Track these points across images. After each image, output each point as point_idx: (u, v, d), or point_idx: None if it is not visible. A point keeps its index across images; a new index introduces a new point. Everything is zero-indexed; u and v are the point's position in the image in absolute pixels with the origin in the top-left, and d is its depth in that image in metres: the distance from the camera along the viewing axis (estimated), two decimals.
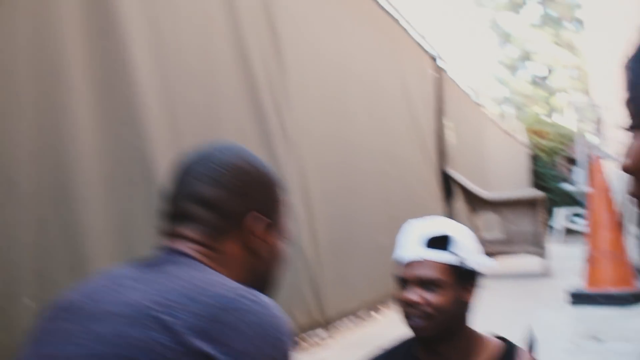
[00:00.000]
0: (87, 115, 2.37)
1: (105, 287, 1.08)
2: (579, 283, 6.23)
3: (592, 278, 5.78)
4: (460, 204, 8.31)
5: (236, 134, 3.36)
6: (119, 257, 2.44)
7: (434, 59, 8.13)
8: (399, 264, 1.70)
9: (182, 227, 1.18)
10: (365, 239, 5.42)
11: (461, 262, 1.67)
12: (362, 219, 5.37)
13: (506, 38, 35.35)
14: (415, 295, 1.64)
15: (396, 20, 6.85)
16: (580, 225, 13.53)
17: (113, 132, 2.49)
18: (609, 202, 5.96)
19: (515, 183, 15.50)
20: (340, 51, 5.30)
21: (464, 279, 1.69)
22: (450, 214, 8.10)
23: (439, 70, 8.25)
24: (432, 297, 1.63)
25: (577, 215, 16.13)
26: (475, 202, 8.07)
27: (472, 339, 1.71)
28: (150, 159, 2.63)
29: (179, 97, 2.90)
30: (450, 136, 8.32)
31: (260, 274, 1.24)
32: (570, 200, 17.75)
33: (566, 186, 13.28)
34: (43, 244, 2.13)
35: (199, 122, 3.07)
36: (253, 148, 1.27)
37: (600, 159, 10.24)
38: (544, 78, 35.23)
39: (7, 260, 1.98)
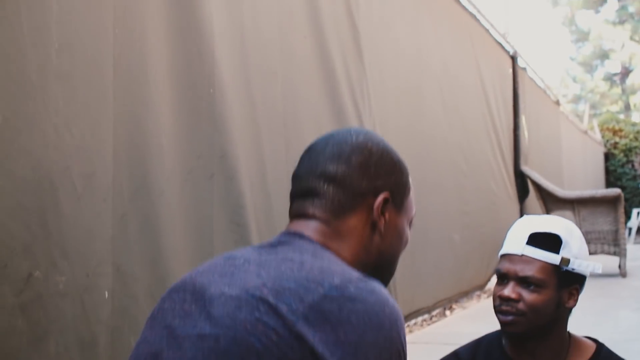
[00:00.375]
0: (167, 109, 2.38)
1: (222, 269, 1.09)
2: None
3: None
4: (535, 202, 8.13)
5: (315, 130, 3.35)
6: (196, 252, 2.46)
7: (512, 57, 7.99)
8: (501, 257, 1.66)
9: (307, 204, 1.18)
10: (438, 235, 5.35)
11: (566, 264, 1.61)
12: (436, 214, 5.30)
13: (582, 36, 34.50)
14: (511, 291, 1.60)
15: (474, 18, 6.76)
16: None
17: (193, 127, 2.50)
18: None
19: (591, 182, 15.11)
20: (418, 48, 5.27)
21: (567, 281, 1.63)
22: (524, 212, 7.94)
23: (517, 67, 8.09)
24: (528, 295, 1.59)
25: None
26: (551, 201, 7.87)
27: (566, 340, 1.66)
28: (229, 155, 2.64)
29: (259, 94, 2.90)
30: (526, 134, 8.15)
31: (380, 255, 1.20)
32: None
33: None
34: (122, 237, 2.15)
35: (278, 119, 3.07)
36: None
37: None
38: (621, 75, 34.22)
39: (87, 252, 2.00)
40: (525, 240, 1.62)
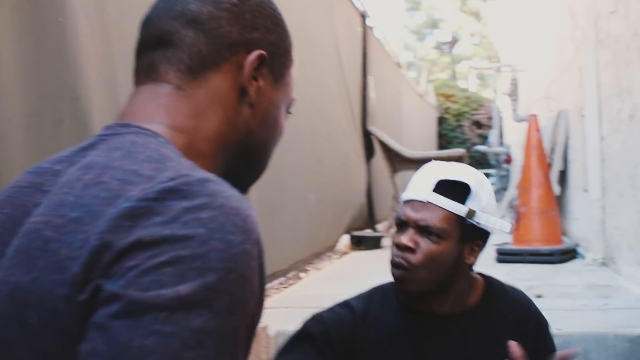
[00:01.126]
0: (6, 38, 2.00)
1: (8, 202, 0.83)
2: (504, 241, 6.23)
3: (520, 235, 5.75)
4: (381, 162, 8.18)
5: None
6: None
7: (362, 15, 7.91)
8: (403, 204, 1.54)
9: (157, 57, 0.88)
10: (294, 195, 5.18)
11: (472, 216, 1.50)
12: (293, 173, 5.12)
13: (415, 5, 35.61)
14: (409, 239, 1.48)
15: None
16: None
17: (38, 63, 2.13)
18: (541, 159, 5.93)
19: (427, 144, 15.63)
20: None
21: (471, 235, 1.53)
22: (371, 173, 7.98)
23: (366, 26, 8.04)
24: (427, 245, 1.48)
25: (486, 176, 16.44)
26: (397, 161, 7.94)
27: (466, 291, 1.58)
28: (81, 97, 2.27)
29: (116, 27, 2.51)
30: (373, 94, 8.15)
31: (249, 135, 0.92)
32: (477, 163, 18.10)
33: (480, 147, 13.45)
34: None
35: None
36: None
37: (522, 121, 10.36)
38: (450, 44, 35.76)
39: None
40: (432, 187, 1.49)
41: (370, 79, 8.01)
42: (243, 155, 0.93)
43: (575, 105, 6.46)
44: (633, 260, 4.40)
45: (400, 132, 11.04)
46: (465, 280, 1.58)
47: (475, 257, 1.56)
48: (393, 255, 1.51)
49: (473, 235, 1.53)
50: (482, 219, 1.50)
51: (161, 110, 0.87)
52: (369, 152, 7.98)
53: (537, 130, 6.05)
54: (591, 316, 3.51)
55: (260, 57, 0.91)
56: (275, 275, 4.69)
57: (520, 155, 11.61)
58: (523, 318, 1.61)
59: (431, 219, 1.48)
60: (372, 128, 7.94)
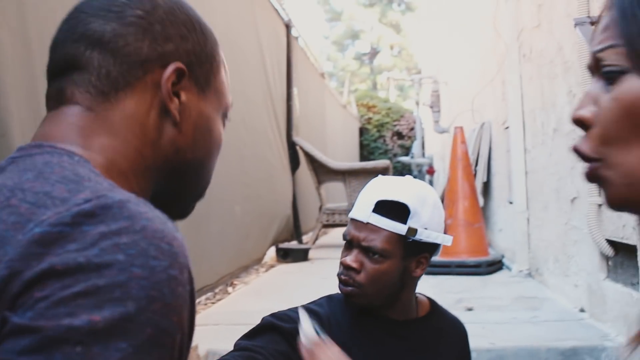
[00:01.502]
0: None
1: None
2: None
3: (447, 247, 5.77)
4: (306, 173, 8.13)
5: None
6: None
7: (286, 25, 7.85)
8: (350, 220, 1.55)
9: (65, 82, 0.82)
10: (221, 207, 5.04)
11: (414, 234, 1.50)
12: (219, 185, 4.99)
13: (336, 16, 35.92)
14: (353, 259, 1.50)
15: None
16: None
17: None
18: (467, 171, 5.98)
19: (350, 155, 15.70)
20: (201, 3, 4.86)
21: (415, 250, 1.53)
22: (295, 184, 7.92)
23: (291, 36, 7.98)
24: (370, 265, 1.49)
25: None
26: (323, 172, 7.91)
27: (414, 303, 1.61)
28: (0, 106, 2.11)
29: (35, 27, 2.35)
30: (297, 105, 8.09)
31: (178, 153, 0.86)
32: (399, 174, 18.30)
33: (403, 158, 13.60)
34: None
35: None
36: None
37: (444, 132, 10.49)
38: (370, 55, 36.21)
39: None
40: (372, 207, 1.50)
41: (295, 90, 7.95)
42: (176, 175, 0.87)
43: (498, 117, 6.56)
44: (559, 272, 4.47)
45: (324, 142, 11.03)
46: (413, 290, 1.60)
47: (423, 270, 1.56)
48: (340, 272, 1.52)
49: (417, 250, 1.52)
50: (424, 236, 1.50)
51: (74, 130, 0.81)
52: (294, 163, 7.91)
53: (463, 142, 6.11)
54: (522, 329, 3.53)
55: (178, 70, 0.84)
56: (203, 291, 4.54)
57: (442, 166, 11.81)
58: (463, 338, 1.67)
59: (373, 239, 1.49)
60: (297, 139, 7.88)
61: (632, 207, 0.72)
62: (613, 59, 0.71)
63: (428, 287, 4.95)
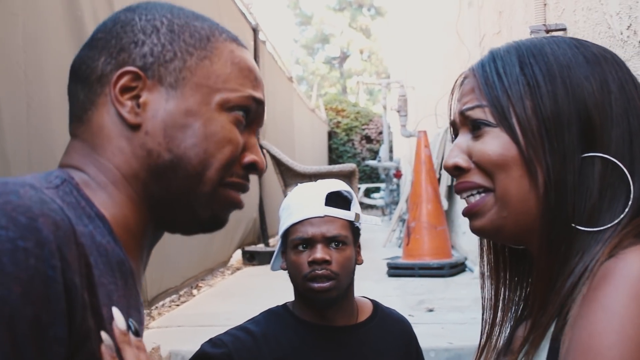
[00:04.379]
0: None
1: None
2: (395, 255, 6.33)
3: (410, 250, 5.86)
4: (273, 176, 8.16)
5: (62, 85, 2.88)
6: None
7: (254, 29, 7.88)
8: (296, 226, 1.60)
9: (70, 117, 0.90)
10: None
11: (358, 220, 1.64)
12: None
13: (306, 20, 35.98)
14: (323, 253, 1.57)
15: None
16: (377, 200, 14.02)
17: None
18: (431, 175, 6.07)
19: (318, 159, 15.75)
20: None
21: (357, 237, 1.67)
22: (262, 186, 7.94)
23: (258, 41, 8.01)
24: (337, 255, 1.58)
25: (374, 190, 16.77)
26: (289, 175, 7.94)
27: (354, 301, 1.69)
28: None
29: None
30: (264, 108, 8.11)
31: (153, 158, 0.85)
32: (367, 177, 18.41)
33: (371, 162, 13.68)
34: None
35: (18, 72, 2.55)
36: None
37: (410, 136, 10.59)
38: (340, 59, 36.32)
39: None
40: (323, 201, 1.59)
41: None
42: (163, 178, 0.86)
43: None
44: None
45: (293, 146, 11.07)
46: (353, 286, 1.68)
47: (361, 257, 1.70)
48: (311, 271, 1.56)
49: (357, 236, 1.67)
50: (363, 220, 1.66)
51: (63, 157, 0.88)
52: None
53: (427, 146, 6.20)
54: (480, 329, 3.59)
55: (128, 74, 0.85)
56: (167, 293, 4.56)
57: (409, 169, 11.92)
58: (408, 337, 1.73)
59: (335, 229, 1.58)
60: (264, 142, 7.90)
61: (501, 233, 0.91)
62: (480, 115, 0.90)
63: (391, 289, 5.04)
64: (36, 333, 0.66)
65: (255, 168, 0.94)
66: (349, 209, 1.62)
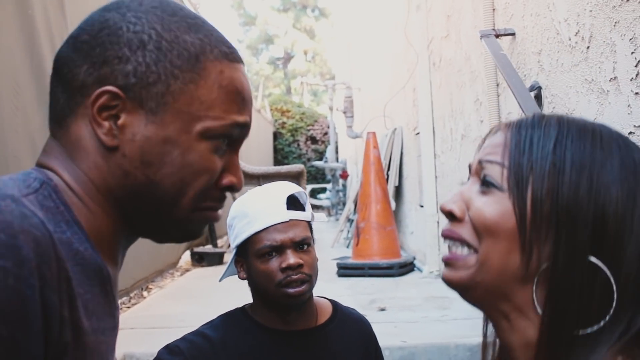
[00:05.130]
0: None
1: None
2: (344, 255, 6.39)
3: (360, 250, 5.92)
4: None
5: (10, 86, 2.83)
6: None
7: None
8: (260, 234, 1.57)
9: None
10: None
11: (313, 219, 1.66)
12: None
13: (250, 20, 35.86)
14: (297, 257, 1.56)
15: None
16: (323, 200, 14.10)
17: None
18: (379, 175, 6.14)
19: (264, 159, 15.73)
20: None
21: (313, 237, 1.67)
22: None
23: None
24: (307, 257, 1.58)
25: (320, 191, 16.83)
26: None
27: (313, 302, 1.68)
28: None
29: None
30: None
31: (129, 180, 0.84)
32: (313, 178, 18.46)
33: (317, 163, 13.72)
34: None
35: None
36: None
37: (357, 137, 10.67)
38: (284, 60, 36.31)
39: None
40: (285, 206, 1.58)
41: None
42: (137, 197, 0.85)
43: (409, 123, 6.75)
44: None
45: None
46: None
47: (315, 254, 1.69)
48: (284, 278, 1.54)
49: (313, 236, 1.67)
50: (315, 219, 1.68)
51: (42, 154, 0.86)
52: None
53: (375, 147, 6.27)
54: (432, 327, 3.67)
55: (103, 93, 0.82)
56: (118, 295, 4.51)
57: (355, 170, 12.00)
58: (368, 336, 1.74)
59: (301, 232, 1.58)
60: None
61: (468, 293, 0.88)
62: (495, 174, 0.85)
63: (343, 288, 5.08)
64: (11, 352, 0.66)
65: (232, 189, 0.91)
66: (304, 210, 1.62)
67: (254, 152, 13.70)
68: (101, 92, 0.81)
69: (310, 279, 1.57)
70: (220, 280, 1.75)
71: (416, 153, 6.26)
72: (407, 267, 5.79)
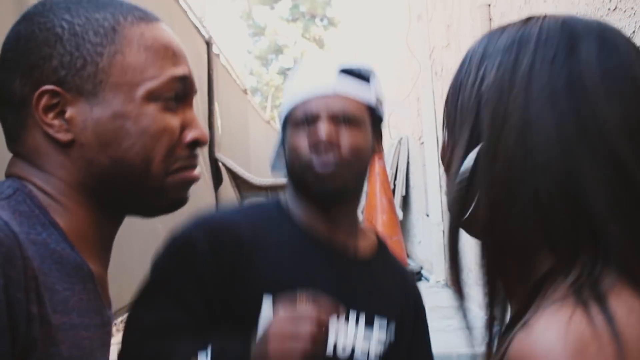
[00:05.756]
0: None
1: None
2: None
3: None
4: (229, 189, 8.16)
5: None
6: None
7: (207, 42, 7.88)
8: (295, 103, 1.33)
9: None
10: (143, 225, 5.03)
11: (381, 105, 1.36)
12: None
13: (259, 31, 36.01)
14: (330, 130, 1.27)
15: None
16: None
17: None
18: (385, 186, 6.14)
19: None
20: None
21: (377, 125, 1.38)
22: (219, 199, 7.94)
23: (211, 53, 8.02)
24: (349, 135, 1.29)
25: None
26: (245, 188, 7.96)
27: (357, 219, 1.43)
28: None
29: None
30: (219, 121, 8.13)
31: (95, 167, 0.85)
32: None
33: None
34: None
35: None
36: None
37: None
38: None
39: None
40: (335, 76, 1.31)
41: (216, 106, 7.99)
42: (108, 182, 0.86)
43: (414, 132, 6.77)
44: (472, 282, 4.65)
45: (248, 158, 11.06)
46: (363, 184, 1.46)
47: (382, 149, 1.45)
48: (309, 154, 1.29)
49: (378, 129, 1.40)
50: (386, 107, 1.38)
51: (8, 169, 0.88)
52: (217, 180, 7.93)
53: (380, 158, 6.27)
54: (436, 337, 3.63)
55: (41, 95, 0.83)
56: (124, 310, 4.53)
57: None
58: (407, 276, 1.53)
59: (346, 107, 1.30)
60: (219, 155, 7.90)
61: None
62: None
63: None
64: None
65: (198, 144, 0.92)
66: (370, 90, 1.34)
67: (264, 163, 13.71)
68: (39, 94, 0.83)
69: (348, 164, 1.28)
70: (272, 169, 1.52)
71: (422, 162, 6.27)
72: (414, 277, 5.79)
